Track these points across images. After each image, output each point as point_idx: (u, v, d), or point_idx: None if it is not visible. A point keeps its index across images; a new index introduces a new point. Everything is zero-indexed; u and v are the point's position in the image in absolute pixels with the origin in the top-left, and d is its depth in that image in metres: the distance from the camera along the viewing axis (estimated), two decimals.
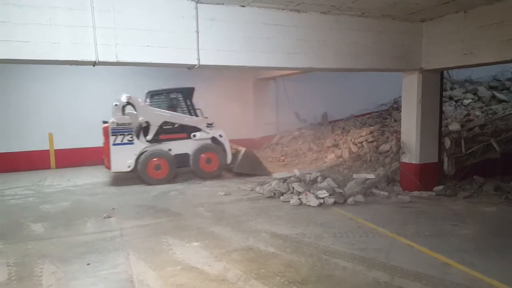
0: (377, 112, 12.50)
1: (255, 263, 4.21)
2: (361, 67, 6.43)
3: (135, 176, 8.90)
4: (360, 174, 7.66)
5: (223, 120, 10.73)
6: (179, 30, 5.15)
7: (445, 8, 5.83)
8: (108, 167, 8.64)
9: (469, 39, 5.88)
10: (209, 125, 9.29)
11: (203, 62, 5.30)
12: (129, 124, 8.46)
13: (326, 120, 13.61)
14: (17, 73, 10.72)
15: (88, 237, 5.26)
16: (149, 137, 8.75)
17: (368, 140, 9.95)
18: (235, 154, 9.45)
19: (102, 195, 7.79)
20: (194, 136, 9.05)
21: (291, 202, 6.63)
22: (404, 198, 6.67)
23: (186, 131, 9.11)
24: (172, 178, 8.80)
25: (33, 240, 5.17)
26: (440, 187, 6.95)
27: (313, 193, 6.68)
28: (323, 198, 6.52)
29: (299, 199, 6.66)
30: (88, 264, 4.32)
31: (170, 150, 8.87)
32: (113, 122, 8.37)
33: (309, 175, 7.78)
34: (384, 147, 8.70)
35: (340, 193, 6.74)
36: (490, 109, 10.47)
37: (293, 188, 7.13)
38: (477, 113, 10.10)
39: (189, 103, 9.36)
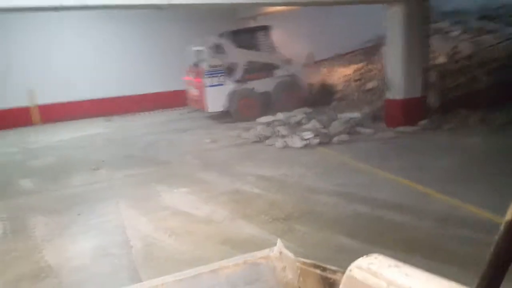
0: (363, 49, 12.15)
1: (241, 204, 4.35)
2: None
3: (226, 115, 9.26)
4: (345, 114, 7.66)
5: None
6: None
7: None
8: (203, 108, 9.07)
9: None
10: (288, 61, 9.47)
11: (173, 0, 4.95)
12: (220, 65, 8.83)
13: (311, 61, 13.25)
14: None
15: (78, 189, 5.34)
16: (237, 77, 9.05)
17: (355, 79, 9.83)
18: (310, 87, 9.85)
19: (90, 148, 7.77)
20: (275, 74, 9.35)
21: (276, 145, 6.69)
22: (388, 134, 6.75)
23: (267, 70, 9.41)
24: (260, 115, 8.91)
25: (24, 195, 5.24)
26: (425, 121, 7.00)
27: (298, 135, 6.72)
28: (308, 139, 6.58)
29: (284, 141, 6.71)
30: (79, 214, 4.42)
31: (253, 89, 9.17)
32: (207, 65, 8.74)
33: (294, 117, 7.78)
34: (370, 85, 8.62)
35: (325, 133, 6.79)
36: (479, 39, 10.23)
37: (278, 131, 7.15)
38: (465, 44, 9.88)
39: (267, 41, 9.59)
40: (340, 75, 10.67)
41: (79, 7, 4.62)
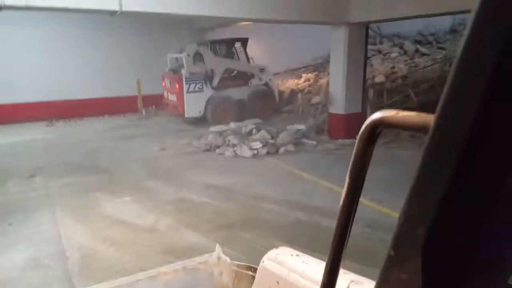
0: (313, 65, 12.81)
1: (187, 212, 4.37)
2: (287, 18, 6.45)
3: (201, 120, 9.29)
4: (293, 126, 8.00)
5: (154, 77, 10.37)
6: None
7: None
8: (181, 113, 9.20)
9: None
10: (262, 70, 9.87)
11: (126, 7, 4.91)
12: (200, 73, 9.02)
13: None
14: None
15: (10, 197, 4.99)
16: (214, 84, 9.33)
17: (304, 92, 10.32)
18: (280, 95, 10.31)
19: (25, 154, 7.26)
20: (251, 82, 9.81)
21: (226, 154, 6.79)
22: (330, 146, 7.17)
23: (243, 78, 9.83)
24: (235, 121, 8.94)
25: None
26: None
27: (247, 145, 6.89)
28: (256, 149, 6.77)
29: (234, 151, 6.84)
30: (10, 224, 4.15)
31: (230, 96, 9.49)
32: (187, 72, 8.89)
33: (244, 127, 7.96)
34: (315, 99, 9.10)
35: (273, 143, 7.04)
36: (414, 62, 11.28)
37: (229, 140, 7.27)
38: (401, 65, 10.84)
39: (244, 51, 10.02)
40: (291, 88, 11.13)
41: (23, 7, 4.40)
